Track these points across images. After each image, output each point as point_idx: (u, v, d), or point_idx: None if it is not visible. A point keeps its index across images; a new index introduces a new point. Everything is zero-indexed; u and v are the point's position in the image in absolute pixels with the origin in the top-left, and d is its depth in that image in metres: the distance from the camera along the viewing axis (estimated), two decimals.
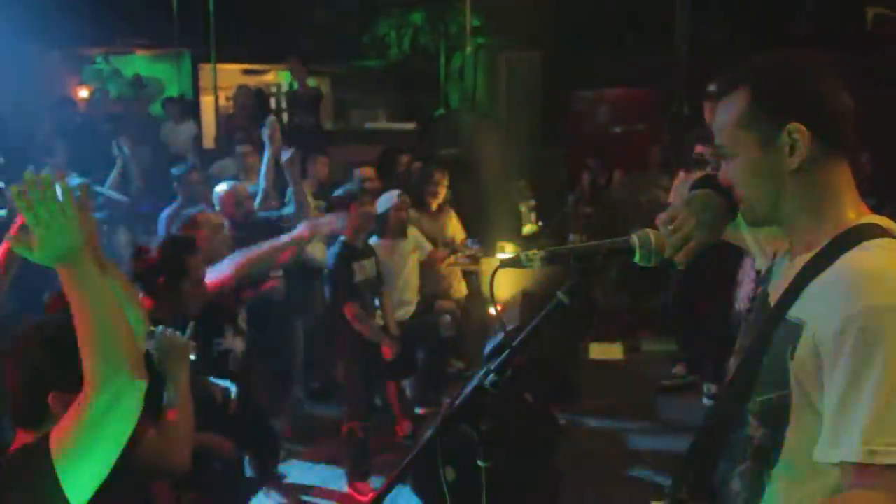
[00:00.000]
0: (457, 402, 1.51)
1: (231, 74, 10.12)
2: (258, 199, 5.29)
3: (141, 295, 3.21)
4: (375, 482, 4.54)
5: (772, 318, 1.46)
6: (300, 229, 4.19)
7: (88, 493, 1.75)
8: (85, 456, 1.72)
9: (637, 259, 1.54)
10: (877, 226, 1.43)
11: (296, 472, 4.78)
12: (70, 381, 1.78)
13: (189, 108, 9.18)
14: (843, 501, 1.33)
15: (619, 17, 9.57)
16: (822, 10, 8.89)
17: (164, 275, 3.44)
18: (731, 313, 4.73)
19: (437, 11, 10.66)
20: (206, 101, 10.24)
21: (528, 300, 5.24)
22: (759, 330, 1.50)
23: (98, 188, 5.90)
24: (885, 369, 1.26)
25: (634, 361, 6.67)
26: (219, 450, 3.47)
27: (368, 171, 6.21)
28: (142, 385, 1.74)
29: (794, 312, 1.41)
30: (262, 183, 5.37)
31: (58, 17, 7.56)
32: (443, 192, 6.25)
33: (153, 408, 2.51)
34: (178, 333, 2.76)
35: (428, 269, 5.81)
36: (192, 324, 3.10)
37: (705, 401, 5.60)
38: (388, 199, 5.34)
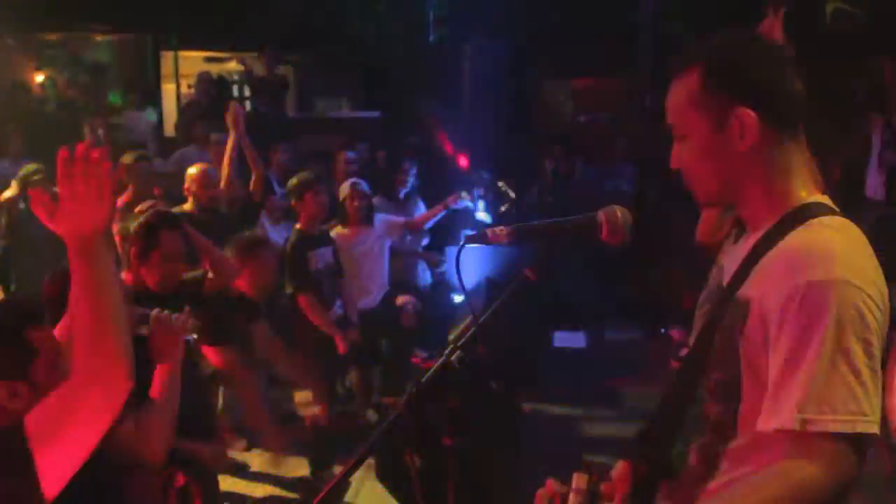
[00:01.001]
0: (423, 379, 1.50)
1: (193, 62, 9.98)
2: (221, 185, 5.25)
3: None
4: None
5: (723, 298, 1.47)
6: None
7: (62, 482, 1.72)
8: (63, 443, 1.69)
9: (603, 235, 1.54)
10: (825, 204, 1.45)
11: (258, 461, 4.73)
12: None
13: (149, 95, 9.04)
14: (774, 470, 1.33)
15: (585, 5, 9.57)
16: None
17: (136, 245, 3.39)
18: None
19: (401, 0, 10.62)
20: (168, 89, 10.09)
21: (493, 287, 5.24)
22: (711, 309, 1.51)
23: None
24: (823, 341, 1.29)
25: (598, 349, 6.71)
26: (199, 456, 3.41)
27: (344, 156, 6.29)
28: (130, 385, 1.73)
29: (744, 291, 1.43)
30: (224, 169, 5.33)
31: None
32: (409, 181, 6.23)
33: (134, 397, 2.48)
34: (172, 315, 2.72)
35: (393, 256, 5.79)
36: (187, 308, 3.05)
37: None
38: (343, 189, 5.33)
